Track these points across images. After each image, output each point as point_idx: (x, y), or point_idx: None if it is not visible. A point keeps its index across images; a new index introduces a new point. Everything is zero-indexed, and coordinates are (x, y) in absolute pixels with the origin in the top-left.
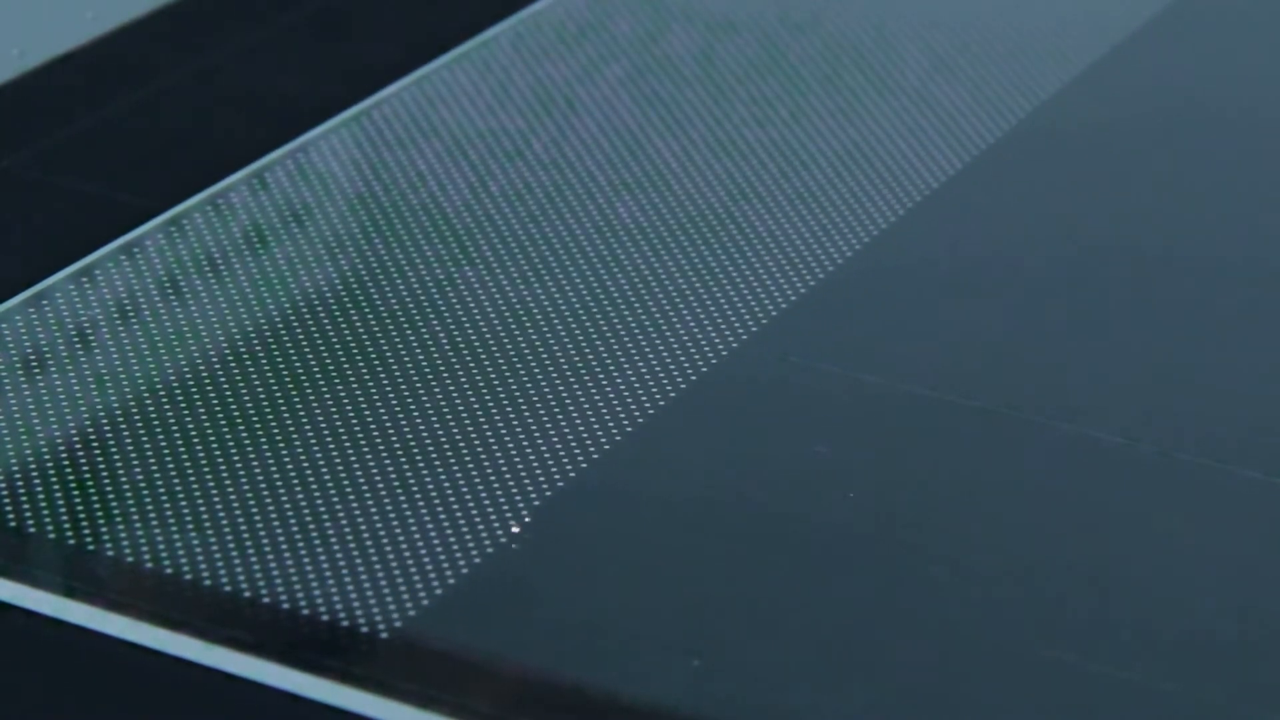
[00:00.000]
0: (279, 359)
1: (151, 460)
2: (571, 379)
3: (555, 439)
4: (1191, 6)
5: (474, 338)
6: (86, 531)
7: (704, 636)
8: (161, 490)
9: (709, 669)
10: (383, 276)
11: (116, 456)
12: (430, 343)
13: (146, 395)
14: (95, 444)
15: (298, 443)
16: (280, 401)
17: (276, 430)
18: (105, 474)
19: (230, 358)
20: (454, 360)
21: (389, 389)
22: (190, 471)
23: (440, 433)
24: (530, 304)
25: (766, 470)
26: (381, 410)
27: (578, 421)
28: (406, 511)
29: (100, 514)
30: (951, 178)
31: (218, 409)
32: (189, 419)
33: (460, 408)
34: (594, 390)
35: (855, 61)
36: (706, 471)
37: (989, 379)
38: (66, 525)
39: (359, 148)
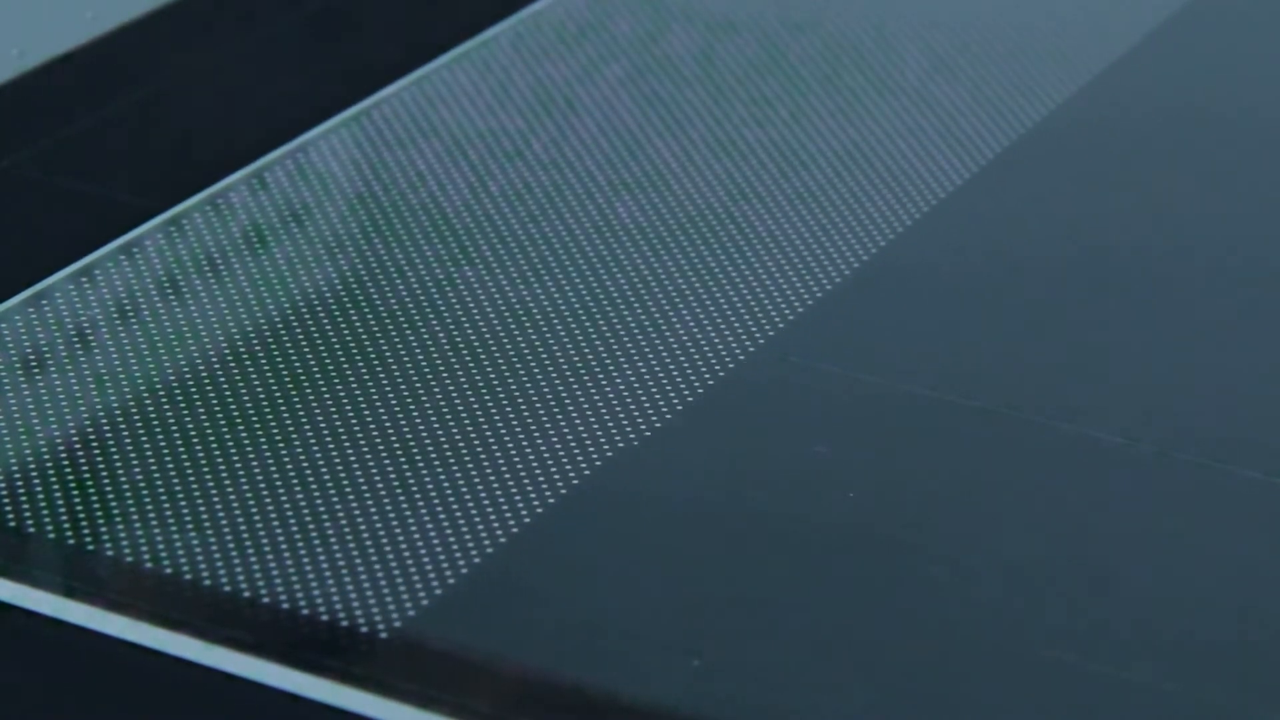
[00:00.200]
0: (279, 359)
1: (151, 460)
2: (571, 379)
3: (555, 439)
4: (1192, 9)
5: (474, 338)
6: (86, 531)
7: (704, 636)
8: (161, 490)
9: (709, 669)
10: (382, 276)
11: (116, 456)
12: (430, 343)
13: (146, 395)
14: (95, 444)
15: (298, 443)
16: (280, 401)
17: (276, 430)
18: (105, 474)
19: (230, 358)
20: (454, 360)
21: (389, 389)
22: (190, 471)
23: (440, 433)
24: (530, 304)
25: (766, 470)
26: (381, 410)
27: (577, 421)
28: (406, 511)
29: (100, 514)
30: (951, 178)
31: (217, 409)
32: (189, 419)
33: (460, 408)
34: (593, 390)
35: (855, 61)
36: (706, 471)
37: (989, 379)
38: (66, 525)
39: (359, 148)
